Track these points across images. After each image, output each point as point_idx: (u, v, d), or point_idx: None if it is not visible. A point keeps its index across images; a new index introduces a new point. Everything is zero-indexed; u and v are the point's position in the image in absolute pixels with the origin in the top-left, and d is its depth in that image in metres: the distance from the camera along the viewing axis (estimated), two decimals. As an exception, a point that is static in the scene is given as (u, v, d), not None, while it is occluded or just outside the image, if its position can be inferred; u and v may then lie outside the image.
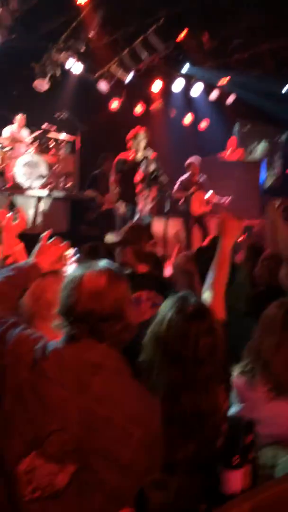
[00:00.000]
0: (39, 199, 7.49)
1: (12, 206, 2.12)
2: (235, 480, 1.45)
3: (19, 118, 7.78)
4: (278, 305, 1.85)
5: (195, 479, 1.47)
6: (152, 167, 5.63)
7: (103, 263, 1.51)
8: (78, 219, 8.11)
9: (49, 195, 7.57)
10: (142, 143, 5.73)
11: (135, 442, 1.36)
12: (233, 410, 1.77)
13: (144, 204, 5.89)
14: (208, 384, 1.53)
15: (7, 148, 7.45)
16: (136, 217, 5.87)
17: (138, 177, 5.78)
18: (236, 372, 1.84)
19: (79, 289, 1.41)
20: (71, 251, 1.96)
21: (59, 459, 1.33)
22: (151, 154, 5.71)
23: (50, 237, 1.89)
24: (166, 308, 1.60)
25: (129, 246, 2.77)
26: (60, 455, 1.33)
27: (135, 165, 5.83)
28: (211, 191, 7.34)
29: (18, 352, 1.42)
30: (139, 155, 5.78)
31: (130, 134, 5.78)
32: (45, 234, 1.88)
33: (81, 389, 1.36)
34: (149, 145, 5.88)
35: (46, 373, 1.37)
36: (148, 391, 1.46)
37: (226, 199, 7.33)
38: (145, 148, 5.74)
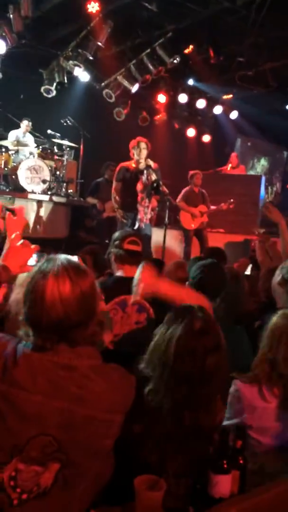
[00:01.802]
0: (41, 203, 7.53)
1: (7, 208, 2.03)
2: (224, 484, 1.47)
3: (25, 123, 7.85)
4: (286, 316, 1.88)
5: (184, 481, 1.49)
6: (153, 177, 5.68)
7: (63, 258, 1.41)
8: (78, 225, 8.16)
9: (50, 200, 7.62)
10: (143, 153, 5.79)
11: (115, 428, 1.38)
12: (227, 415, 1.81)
13: (144, 213, 5.93)
14: (210, 400, 1.54)
15: (11, 152, 7.51)
16: (136, 226, 5.91)
17: (139, 186, 5.82)
18: (242, 380, 1.86)
19: (42, 300, 1.33)
20: (35, 256, 1.86)
21: (42, 461, 1.33)
22: (153, 164, 5.77)
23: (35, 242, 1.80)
24: (172, 322, 1.56)
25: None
26: (42, 457, 1.33)
27: (136, 174, 5.87)
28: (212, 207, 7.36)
29: None
30: (141, 165, 5.83)
31: (132, 144, 5.84)
32: (14, 235, 1.76)
33: (56, 392, 1.34)
34: (151, 155, 5.94)
35: (17, 382, 1.33)
36: (121, 370, 1.44)
37: (226, 205, 7.33)
38: (146, 158, 5.79)
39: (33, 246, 1.78)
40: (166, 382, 1.50)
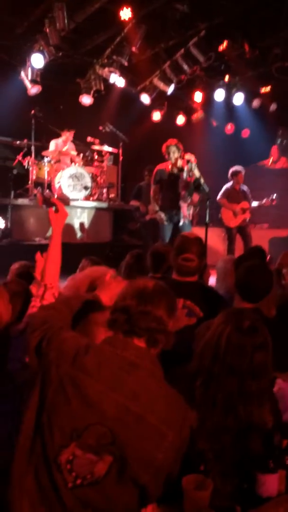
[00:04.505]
0: (84, 209, 7.71)
1: (48, 202, 2.18)
2: (271, 483, 1.49)
3: (67, 134, 8.08)
4: None
5: (231, 481, 1.51)
6: (196, 174, 5.69)
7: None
8: (121, 229, 8.28)
9: (93, 205, 7.78)
10: (175, 155, 5.87)
11: (167, 444, 1.42)
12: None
13: (187, 210, 5.97)
14: (261, 397, 1.58)
15: (53, 161, 7.74)
16: (181, 223, 5.96)
17: (180, 183, 5.88)
18: (285, 379, 1.88)
19: (128, 288, 1.61)
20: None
21: (97, 451, 1.42)
22: (193, 158, 5.79)
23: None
24: (222, 322, 1.66)
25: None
26: (97, 446, 1.42)
27: (173, 174, 5.94)
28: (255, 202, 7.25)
29: (61, 348, 1.54)
30: (178, 163, 5.90)
31: (163, 148, 5.95)
32: (109, 272, 2.04)
33: (116, 385, 1.45)
34: (190, 153, 5.97)
35: (85, 367, 1.47)
36: (182, 398, 1.52)
37: (268, 201, 7.20)
38: (184, 155, 5.84)
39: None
40: (217, 375, 1.57)
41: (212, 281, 3.89)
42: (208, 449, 1.52)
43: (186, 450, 1.49)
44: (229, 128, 9.89)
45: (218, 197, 7.21)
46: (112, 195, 8.44)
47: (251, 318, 1.64)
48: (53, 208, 2.14)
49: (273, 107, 9.53)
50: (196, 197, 6.09)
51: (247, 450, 1.54)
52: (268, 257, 3.87)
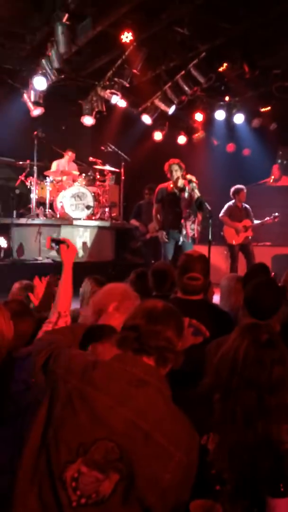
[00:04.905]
0: (86, 229, 7.73)
1: (58, 241, 2.35)
2: (282, 508, 1.43)
3: (70, 154, 8.15)
4: None
5: (240, 505, 1.46)
6: (196, 193, 5.76)
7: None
8: (123, 248, 8.29)
9: (95, 225, 7.80)
10: (177, 174, 5.94)
11: (174, 465, 1.38)
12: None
13: (191, 229, 6.00)
14: (280, 413, 1.55)
15: (56, 181, 7.79)
16: (180, 242, 5.98)
17: (183, 202, 5.92)
18: None
19: (138, 309, 1.62)
20: None
21: (103, 468, 1.38)
22: (194, 179, 5.86)
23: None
24: (238, 336, 1.64)
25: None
26: (104, 463, 1.38)
27: (174, 193, 5.99)
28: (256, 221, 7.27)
29: (69, 364, 1.54)
30: (179, 183, 5.96)
31: (165, 167, 6.02)
32: (113, 304, 2.08)
33: (124, 400, 1.43)
34: (192, 173, 6.03)
35: (94, 381, 1.46)
36: (189, 420, 1.48)
37: (270, 219, 7.23)
38: (182, 178, 5.92)
39: None
40: (236, 389, 1.54)
41: (215, 299, 3.86)
42: (226, 469, 1.49)
43: (201, 472, 1.44)
44: (230, 147, 9.98)
45: (221, 214, 7.24)
46: (114, 214, 8.47)
47: (268, 332, 1.63)
48: (65, 245, 2.35)
49: (273, 126, 9.63)
50: (199, 216, 6.13)
51: (260, 471, 1.49)
52: (272, 274, 3.85)
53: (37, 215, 7.54)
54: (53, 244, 2.37)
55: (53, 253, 5.84)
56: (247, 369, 1.54)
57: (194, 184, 5.79)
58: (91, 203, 7.61)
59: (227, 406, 1.55)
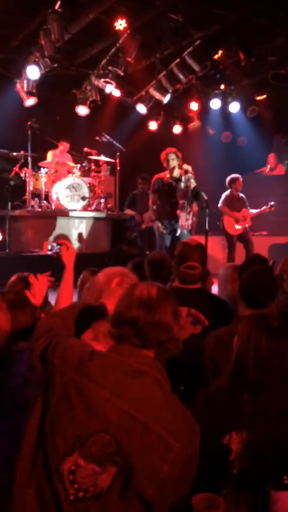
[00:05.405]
0: (82, 220, 7.68)
1: (59, 244, 2.39)
2: (286, 500, 1.42)
3: (64, 144, 8.06)
4: None
5: (244, 498, 1.45)
6: (193, 183, 5.74)
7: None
8: (119, 239, 8.25)
9: (91, 216, 7.75)
10: (174, 163, 5.89)
11: (174, 456, 1.36)
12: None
13: (186, 219, 5.98)
14: None
15: (50, 172, 7.72)
16: (178, 233, 5.95)
17: (178, 193, 5.89)
18: None
19: (131, 296, 1.52)
20: None
21: (101, 461, 1.36)
22: (190, 169, 5.83)
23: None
24: (250, 330, 1.60)
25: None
26: (101, 456, 1.36)
27: (171, 184, 5.95)
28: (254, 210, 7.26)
29: (66, 355, 1.51)
30: (175, 173, 5.92)
31: (162, 156, 5.97)
32: (115, 279, 2.01)
33: (120, 392, 1.41)
34: (188, 163, 5.99)
35: (89, 373, 1.44)
36: (190, 411, 1.46)
37: (267, 208, 7.23)
38: (182, 164, 5.87)
39: None
40: (268, 384, 1.51)
41: (214, 289, 3.84)
42: (249, 469, 1.46)
43: (220, 471, 1.42)
44: (225, 136, 9.92)
45: (220, 204, 7.22)
46: (110, 205, 8.42)
47: (276, 319, 1.61)
48: (65, 246, 2.40)
49: (268, 114, 9.56)
50: (195, 206, 6.11)
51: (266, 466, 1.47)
52: (271, 262, 3.82)
53: (32, 207, 7.49)
54: (54, 244, 2.41)
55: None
56: (273, 363, 1.51)
57: (190, 174, 5.77)
58: (87, 194, 7.55)
59: (259, 404, 1.51)
